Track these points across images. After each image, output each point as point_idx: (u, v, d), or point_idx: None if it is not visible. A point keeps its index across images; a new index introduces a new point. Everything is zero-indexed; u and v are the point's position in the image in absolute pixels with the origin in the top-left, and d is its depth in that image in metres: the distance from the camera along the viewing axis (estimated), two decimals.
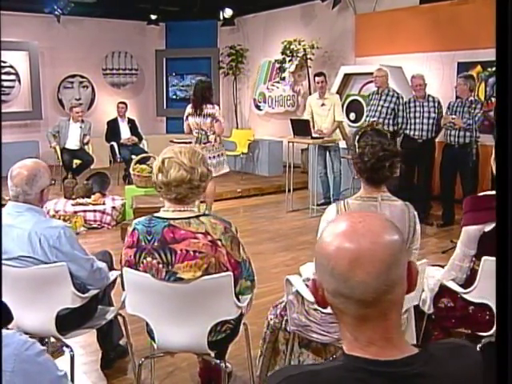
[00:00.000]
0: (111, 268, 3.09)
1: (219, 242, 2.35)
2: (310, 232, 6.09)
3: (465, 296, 2.65)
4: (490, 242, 2.62)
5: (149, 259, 2.37)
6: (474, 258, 2.70)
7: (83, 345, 3.52)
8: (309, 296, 2.59)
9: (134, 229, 2.43)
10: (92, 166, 8.48)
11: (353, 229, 1.05)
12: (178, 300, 2.41)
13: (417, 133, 6.49)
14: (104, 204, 6.80)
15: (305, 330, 2.61)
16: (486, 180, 6.45)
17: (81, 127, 8.38)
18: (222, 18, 10.50)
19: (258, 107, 10.50)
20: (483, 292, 2.59)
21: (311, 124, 7.41)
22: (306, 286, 2.73)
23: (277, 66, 9.62)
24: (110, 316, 2.98)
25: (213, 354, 2.56)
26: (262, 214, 7.28)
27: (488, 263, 2.53)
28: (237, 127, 10.97)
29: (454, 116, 6.27)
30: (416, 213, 2.56)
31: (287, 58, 9.22)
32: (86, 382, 3.30)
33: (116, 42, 11.16)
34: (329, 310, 2.54)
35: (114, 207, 6.71)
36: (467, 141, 6.24)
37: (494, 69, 7.33)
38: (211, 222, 2.38)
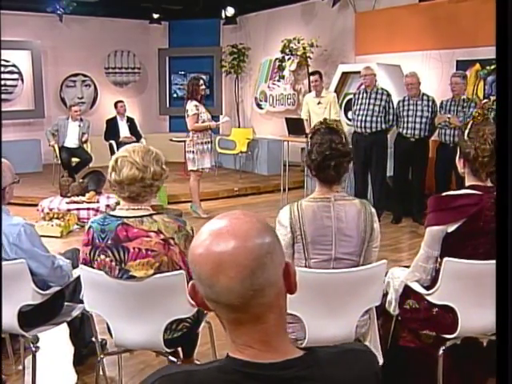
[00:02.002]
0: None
1: (172, 241, 2.37)
2: None
3: (427, 298, 2.61)
4: (454, 243, 2.58)
5: (102, 257, 2.39)
6: (439, 259, 2.67)
7: (56, 341, 3.55)
8: None
9: (89, 227, 2.46)
10: (93, 165, 8.52)
11: (217, 233, 1.03)
12: (132, 298, 2.41)
13: (409, 131, 6.44)
14: (98, 202, 6.84)
15: None
16: None
17: (79, 126, 8.44)
18: (224, 16, 10.50)
19: (259, 106, 10.49)
20: (445, 294, 2.55)
21: (308, 123, 7.40)
22: None
23: (277, 64, 9.61)
24: (75, 313, 2.99)
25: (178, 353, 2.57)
26: (256, 213, 7.26)
27: (449, 264, 2.50)
28: (238, 126, 10.97)
29: (449, 115, 6.21)
30: (374, 211, 2.53)
31: (286, 57, 9.19)
32: (57, 379, 3.34)
33: (118, 41, 11.21)
34: (291, 310, 2.54)
35: (108, 205, 6.74)
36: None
37: (492, 67, 7.25)
38: (164, 220, 2.39)
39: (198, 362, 3.11)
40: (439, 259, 2.63)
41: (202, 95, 6.83)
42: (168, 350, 2.51)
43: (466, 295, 2.53)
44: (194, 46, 11.20)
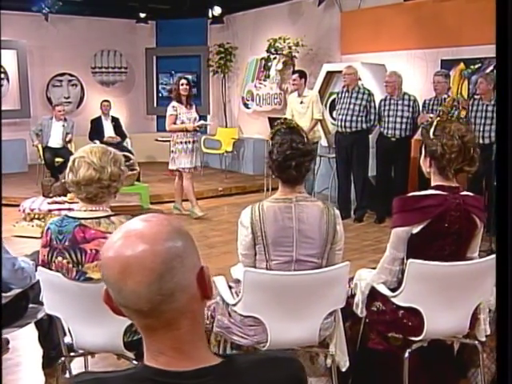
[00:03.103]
0: None
1: None
2: None
3: (393, 300, 2.58)
4: (419, 244, 2.55)
5: (60, 259, 2.37)
6: (405, 261, 2.64)
7: (25, 343, 3.51)
8: (229, 298, 2.56)
9: (48, 228, 2.43)
10: None
11: (126, 236, 1.01)
12: (90, 300, 2.37)
13: (390, 131, 6.41)
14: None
15: (227, 332, 2.57)
16: (461, 177, 6.36)
17: (63, 126, 8.38)
18: (211, 16, 10.45)
19: (246, 105, 10.44)
20: (410, 296, 2.51)
21: None
22: (230, 287, 2.69)
23: (262, 63, 9.57)
24: (40, 315, 2.95)
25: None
26: (239, 213, 7.24)
27: (413, 266, 2.46)
28: (226, 126, 10.92)
29: (431, 115, 6.19)
30: (338, 213, 2.50)
31: (272, 56, 9.16)
32: (25, 381, 3.30)
33: (105, 41, 11.14)
34: (248, 312, 2.50)
35: None
36: None
37: (476, 66, 7.25)
38: (122, 222, 2.36)
39: None
40: (406, 261, 2.61)
41: (186, 95, 6.83)
42: (128, 353, 2.48)
43: (432, 297, 2.51)
44: (182, 45, 11.15)
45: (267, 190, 7.27)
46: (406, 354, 2.58)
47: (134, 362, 2.54)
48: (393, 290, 2.62)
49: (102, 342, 2.45)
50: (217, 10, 10.31)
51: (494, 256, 2.65)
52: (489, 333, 2.76)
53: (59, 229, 2.36)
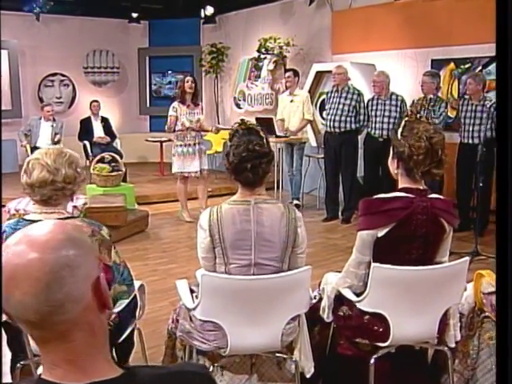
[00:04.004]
0: None
1: None
2: None
3: (357, 305, 2.52)
4: (385, 248, 2.49)
5: None
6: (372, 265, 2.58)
7: None
8: (188, 302, 2.50)
9: (3, 231, 2.37)
10: None
11: (17, 243, 0.96)
12: None
13: (377, 132, 6.35)
14: None
15: (188, 337, 2.51)
16: (450, 178, 6.32)
17: (52, 126, 8.32)
18: (203, 15, 10.40)
19: (238, 106, 10.38)
20: (375, 301, 2.45)
21: (284, 122, 7.33)
22: (192, 291, 2.64)
23: (253, 63, 9.52)
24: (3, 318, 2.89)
25: None
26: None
27: (377, 271, 2.40)
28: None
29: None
30: (300, 215, 2.44)
31: (262, 56, 9.10)
32: None
33: (97, 41, 11.09)
34: (207, 317, 2.44)
35: (75, 206, 6.62)
36: None
37: (466, 66, 7.19)
38: (76, 225, 2.30)
39: None
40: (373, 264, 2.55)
41: (192, 94, 6.55)
42: None
43: (398, 302, 2.45)
44: (175, 45, 11.10)
45: None
46: (372, 360, 2.52)
47: None
48: (360, 295, 2.56)
49: None
50: (209, 10, 10.26)
51: (463, 260, 2.60)
52: (459, 338, 2.70)
53: (14, 232, 2.30)
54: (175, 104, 6.55)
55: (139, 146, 10.40)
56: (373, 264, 2.42)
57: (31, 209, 6.74)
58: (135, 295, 2.72)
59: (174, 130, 6.56)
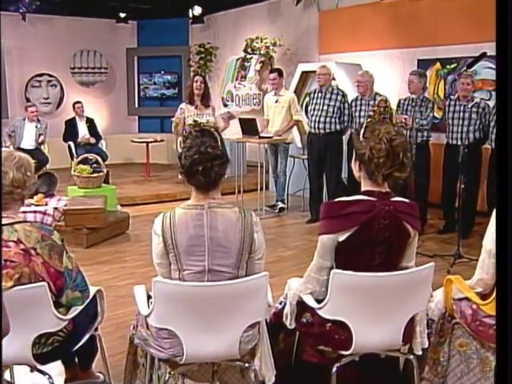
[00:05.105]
0: None
1: (33, 251, 2.22)
2: None
3: (318, 312, 2.43)
4: (347, 253, 2.41)
5: None
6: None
7: None
8: (143, 308, 2.43)
9: None
10: (54, 166, 8.33)
11: None
12: None
13: None
14: (46, 205, 6.65)
15: (145, 344, 2.44)
16: (435, 179, 6.25)
17: (36, 127, 8.24)
18: (191, 15, 10.33)
19: (226, 106, 10.30)
20: (336, 308, 2.36)
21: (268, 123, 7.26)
22: (150, 297, 2.56)
23: (240, 63, 9.45)
24: None
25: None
26: None
27: (337, 277, 2.31)
28: None
29: (406, 116, 6.05)
30: (257, 220, 2.36)
31: (249, 56, 9.03)
32: None
33: (85, 41, 11.03)
34: (161, 324, 2.36)
35: (56, 208, 6.55)
36: (419, 140, 6.04)
37: (452, 66, 7.13)
38: (26, 229, 2.24)
39: (99, 375, 2.99)
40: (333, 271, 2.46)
41: (200, 95, 6.22)
42: (38, 366, 2.36)
43: (360, 309, 2.36)
44: (163, 45, 11.03)
45: (239, 192, 7.12)
46: (334, 369, 2.44)
47: (47, 373, 2.43)
48: (322, 301, 2.48)
49: (12, 354, 2.32)
50: (197, 10, 10.22)
51: (428, 265, 2.51)
52: (426, 346, 2.63)
53: None
54: (183, 105, 6.24)
55: (125, 147, 10.32)
56: (333, 270, 2.34)
57: None
58: (94, 301, 2.65)
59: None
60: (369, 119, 2.33)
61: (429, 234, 6.16)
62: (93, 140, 8.61)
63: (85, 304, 2.44)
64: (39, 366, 2.38)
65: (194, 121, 5.68)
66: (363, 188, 2.46)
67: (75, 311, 2.40)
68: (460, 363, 2.71)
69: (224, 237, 2.23)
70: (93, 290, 2.59)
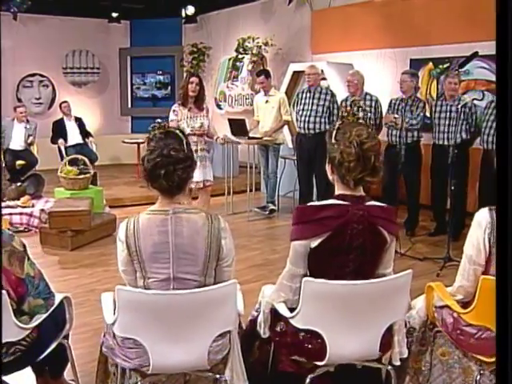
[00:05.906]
0: None
1: None
2: (240, 237, 5.83)
3: (291, 321, 2.34)
4: (319, 260, 2.32)
5: None
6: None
7: None
8: (108, 316, 2.34)
9: None
10: (45, 167, 8.25)
11: None
12: None
13: None
14: (33, 206, 6.58)
15: (112, 354, 2.35)
16: (426, 180, 6.18)
17: (26, 127, 8.14)
18: (184, 15, 10.25)
19: (218, 106, 10.23)
20: (308, 317, 2.27)
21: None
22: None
23: (232, 63, 9.37)
24: None
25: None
26: None
27: (308, 285, 2.22)
28: None
29: (396, 115, 5.98)
30: (225, 225, 2.26)
31: (240, 56, 8.95)
32: None
33: (77, 41, 10.96)
34: (125, 333, 2.27)
35: (42, 210, 6.47)
36: (409, 141, 5.96)
37: (445, 66, 7.05)
38: None
39: (71, 383, 2.91)
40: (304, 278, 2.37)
41: (194, 96, 5.65)
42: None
43: (333, 318, 2.27)
44: (156, 45, 10.95)
45: (229, 193, 7.04)
46: (308, 380, 2.35)
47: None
48: (295, 309, 2.39)
49: None
50: (190, 10, 10.14)
51: (405, 272, 2.41)
52: (405, 355, 2.53)
53: None
54: (175, 107, 5.72)
55: (116, 148, 10.23)
56: (304, 278, 2.25)
57: None
58: (62, 308, 2.57)
59: None
60: (342, 120, 2.22)
61: (420, 236, 6.09)
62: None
63: (49, 311, 2.36)
64: (2, 377, 2.30)
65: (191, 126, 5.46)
66: (336, 192, 2.38)
67: (39, 319, 2.32)
68: (442, 373, 2.62)
69: (189, 243, 2.14)
70: (59, 297, 2.51)
